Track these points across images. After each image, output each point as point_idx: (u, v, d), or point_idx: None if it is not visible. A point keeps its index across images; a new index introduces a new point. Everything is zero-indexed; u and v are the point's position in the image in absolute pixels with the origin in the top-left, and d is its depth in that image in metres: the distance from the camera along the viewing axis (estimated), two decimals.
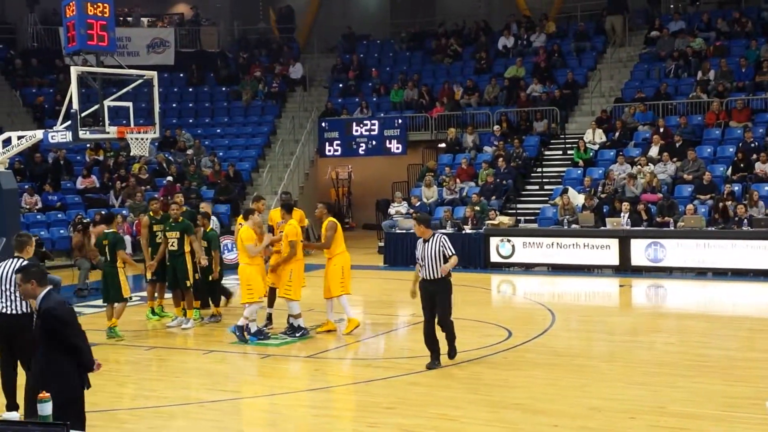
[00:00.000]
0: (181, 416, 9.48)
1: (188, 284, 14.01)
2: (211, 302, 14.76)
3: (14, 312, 8.53)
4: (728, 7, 28.88)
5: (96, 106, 15.33)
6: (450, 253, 10.68)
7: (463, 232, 21.07)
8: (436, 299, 10.79)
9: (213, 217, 15.75)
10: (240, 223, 13.62)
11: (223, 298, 15.26)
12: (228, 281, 18.86)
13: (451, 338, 11.08)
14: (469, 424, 8.74)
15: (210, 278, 14.48)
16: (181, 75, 32.62)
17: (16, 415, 6.16)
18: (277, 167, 28.39)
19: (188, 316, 14.14)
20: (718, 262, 18.57)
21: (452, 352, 11.13)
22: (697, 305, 16.61)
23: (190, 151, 28.06)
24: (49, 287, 7.06)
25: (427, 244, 10.73)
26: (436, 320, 10.86)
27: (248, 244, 12.64)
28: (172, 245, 14.07)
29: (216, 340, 13.38)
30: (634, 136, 24.33)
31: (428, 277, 10.76)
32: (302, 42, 34.38)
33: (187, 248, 14.05)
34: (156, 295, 14.91)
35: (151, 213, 14.67)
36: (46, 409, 6.59)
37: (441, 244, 10.68)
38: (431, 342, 10.92)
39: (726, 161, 22.16)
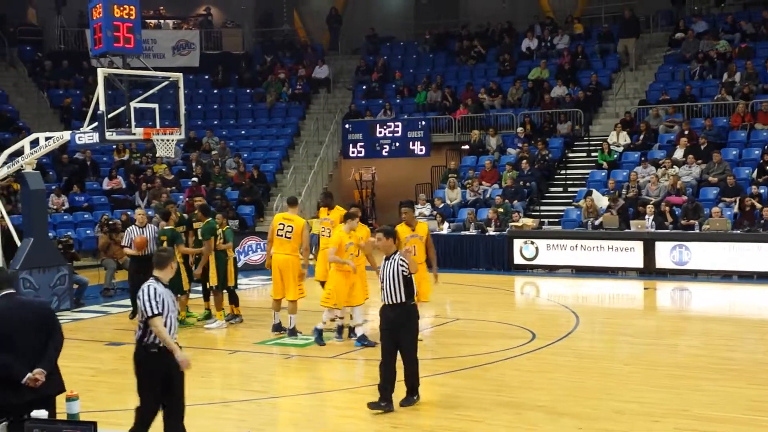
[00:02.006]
0: (206, 416, 9.55)
1: (210, 285, 14.12)
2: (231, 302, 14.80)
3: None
4: (753, 9, 28.69)
5: (122, 108, 15.44)
6: (408, 274, 9.26)
7: (487, 233, 21.07)
8: (398, 331, 9.27)
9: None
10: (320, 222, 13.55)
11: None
12: (253, 282, 18.99)
13: (413, 380, 9.42)
14: (493, 425, 8.76)
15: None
16: (206, 77, 32.81)
17: (44, 413, 6.23)
18: (301, 169, 28.50)
19: (215, 316, 14.25)
20: (743, 265, 18.45)
21: (409, 398, 9.39)
22: (722, 308, 16.52)
23: (214, 152, 28.23)
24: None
25: (387, 262, 9.37)
26: (402, 359, 9.37)
27: (331, 248, 12.28)
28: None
29: (241, 340, 13.45)
30: (659, 139, 24.22)
31: (388, 302, 9.29)
32: (326, 44, 34.47)
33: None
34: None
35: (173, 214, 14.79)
36: (74, 407, 6.69)
37: (399, 263, 9.30)
38: (389, 376, 9.27)
39: (751, 164, 22.02)
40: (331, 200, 14.40)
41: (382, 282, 9.33)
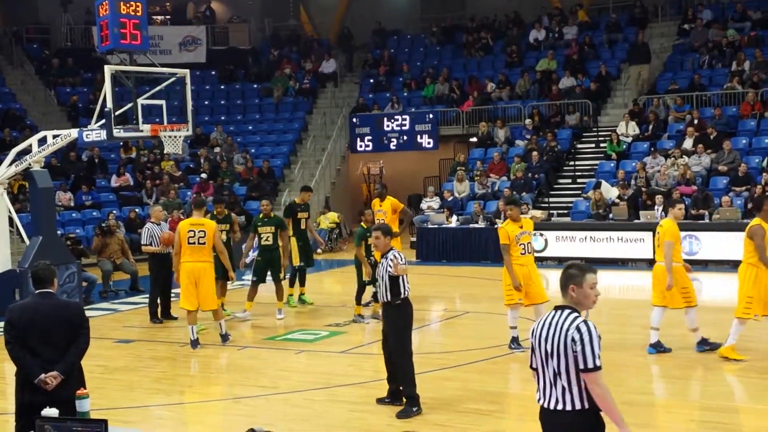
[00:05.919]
0: (216, 412, 9.55)
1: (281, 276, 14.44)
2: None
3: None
4: None
5: (129, 105, 15.42)
6: (392, 273, 8.90)
7: (496, 226, 20.98)
8: (387, 331, 9.15)
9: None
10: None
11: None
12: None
13: (408, 388, 9.01)
14: (503, 418, 8.73)
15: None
16: (213, 72, 32.80)
17: (55, 412, 6.21)
18: (308, 163, 28.49)
19: (278, 307, 14.55)
20: None
21: (408, 409, 8.89)
22: (733, 298, 16.37)
23: (217, 149, 28.20)
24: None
25: (383, 260, 9.11)
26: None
27: (666, 240, 11.36)
28: (266, 240, 14.32)
29: (251, 336, 13.44)
30: (668, 128, 24.11)
31: (381, 300, 9.24)
32: (333, 38, 34.43)
33: (280, 242, 14.42)
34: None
35: (214, 212, 14.73)
36: (84, 405, 6.66)
37: (389, 261, 8.97)
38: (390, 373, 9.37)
39: (762, 152, 21.91)
40: (384, 191, 15.43)
41: (379, 280, 9.20)
